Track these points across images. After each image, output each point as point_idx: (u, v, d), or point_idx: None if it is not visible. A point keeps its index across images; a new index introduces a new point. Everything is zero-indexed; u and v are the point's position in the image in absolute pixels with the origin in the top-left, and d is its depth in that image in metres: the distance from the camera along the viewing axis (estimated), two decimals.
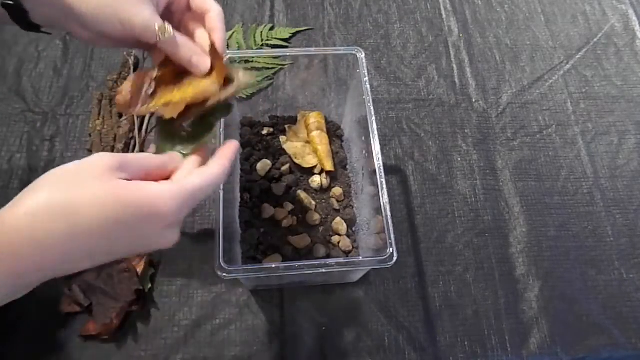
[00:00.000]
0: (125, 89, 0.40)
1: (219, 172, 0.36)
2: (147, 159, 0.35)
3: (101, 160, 0.31)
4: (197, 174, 0.35)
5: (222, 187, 0.46)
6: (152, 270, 0.57)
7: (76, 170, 0.31)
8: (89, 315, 0.54)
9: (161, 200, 0.31)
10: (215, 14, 0.41)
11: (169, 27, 0.38)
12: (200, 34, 0.42)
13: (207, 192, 0.35)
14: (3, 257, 0.28)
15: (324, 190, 0.62)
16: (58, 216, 0.29)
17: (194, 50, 0.40)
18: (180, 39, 0.39)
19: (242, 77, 0.41)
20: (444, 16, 0.82)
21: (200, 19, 0.42)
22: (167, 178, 0.35)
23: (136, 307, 0.55)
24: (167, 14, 0.42)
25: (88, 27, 0.38)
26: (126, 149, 0.65)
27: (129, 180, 0.31)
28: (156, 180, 0.33)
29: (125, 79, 0.69)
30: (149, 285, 0.56)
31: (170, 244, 0.34)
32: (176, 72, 0.40)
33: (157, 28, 0.37)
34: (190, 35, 0.42)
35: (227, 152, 0.38)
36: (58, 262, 0.30)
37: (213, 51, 0.40)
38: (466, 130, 0.72)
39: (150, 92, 0.39)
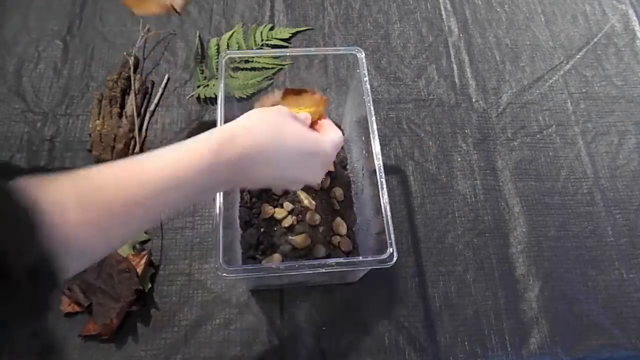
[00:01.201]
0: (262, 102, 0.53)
1: (339, 133, 0.46)
2: (301, 116, 0.46)
3: (286, 110, 0.43)
4: (333, 132, 0.46)
5: None
6: (152, 270, 0.57)
7: (277, 111, 0.42)
8: (89, 315, 0.54)
9: (328, 144, 0.44)
10: None
11: None
12: None
13: (339, 145, 0.46)
14: (228, 149, 0.36)
15: (324, 190, 0.62)
16: (271, 134, 0.39)
17: None
18: None
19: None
20: (444, 16, 0.82)
21: None
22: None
23: (136, 307, 0.55)
24: None
25: None
26: (126, 148, 0.65)
27: None
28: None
29: (125, 78, 0.69)
30: (149, 285, 0.57)
31: (319, 179, 0.46)
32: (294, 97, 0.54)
33: None
34: None
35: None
36: (263, 166, 0.39)
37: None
38: (466, 130, 0.72)
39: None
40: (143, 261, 0.56)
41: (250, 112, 0.41)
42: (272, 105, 0.50)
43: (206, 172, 0.35)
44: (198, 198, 0.39)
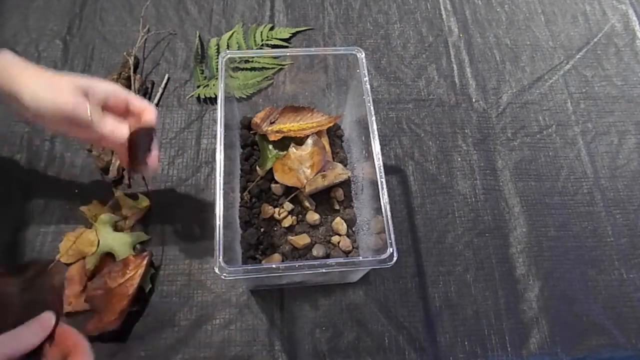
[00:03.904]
0: (260, 116, 0.64)
1: None
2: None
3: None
4: None
5: (222, 186, 0.46)
6: (152, 271, 0.57)
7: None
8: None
9: None
10: (151, 110, 0.49)
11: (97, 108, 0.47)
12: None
13: None
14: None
15: (324, 190, 0.62)
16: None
17: (115, 125, 0.48)
18: (106, 116, 0.48)
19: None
20: (444, 16, 0.82)
21: (138, 119, 0.49)
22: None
23: (136, 307, 0.55)
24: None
25: (29, 109, 0.44)
26: None
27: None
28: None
29: (125, 78, 0.69)
30: (149, 285, 0.57)
31: None
32: (293, 113, 0.63)
33: (88, 108, 0.45)
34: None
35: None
36: None
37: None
38: (466, 130, 0.72)
39: (272, 120, 0.62)
40: (144, 262, 0.56)
41: None
42: (270, 113, 0.59)
43: None
44: None
